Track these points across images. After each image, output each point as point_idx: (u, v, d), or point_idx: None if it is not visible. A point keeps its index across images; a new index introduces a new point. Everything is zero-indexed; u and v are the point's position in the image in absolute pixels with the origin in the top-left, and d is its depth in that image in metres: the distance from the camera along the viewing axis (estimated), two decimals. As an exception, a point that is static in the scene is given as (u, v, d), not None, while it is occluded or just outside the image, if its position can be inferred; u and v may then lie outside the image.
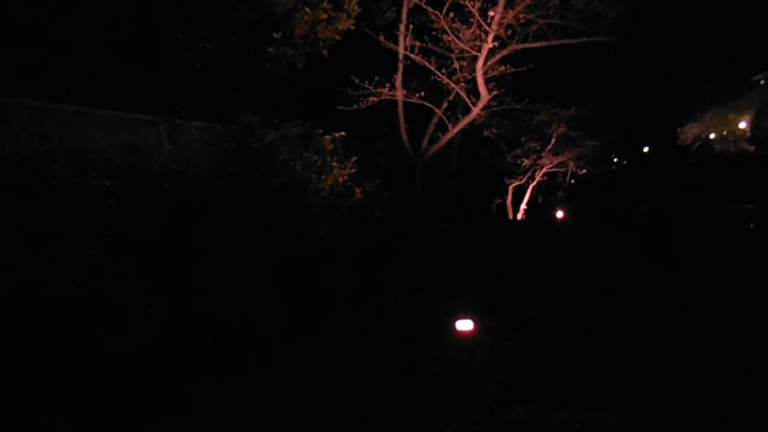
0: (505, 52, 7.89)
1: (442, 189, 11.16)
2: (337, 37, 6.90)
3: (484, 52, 6.82)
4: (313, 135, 6.43)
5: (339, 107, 7.38)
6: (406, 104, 8.32)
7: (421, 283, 6.78)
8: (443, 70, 7.80)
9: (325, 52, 6.86)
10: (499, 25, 6.61)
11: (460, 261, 8.02)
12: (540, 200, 24.20)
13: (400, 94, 7.92)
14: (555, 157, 17.77)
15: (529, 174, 17.35)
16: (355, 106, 7.50)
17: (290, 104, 7.39)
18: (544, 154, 17.11)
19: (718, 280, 6.73)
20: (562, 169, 19.58)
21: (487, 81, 7.80)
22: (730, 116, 30.55)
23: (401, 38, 7.53)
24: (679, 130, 36.77)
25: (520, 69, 8.13)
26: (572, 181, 28.64)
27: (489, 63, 7.83)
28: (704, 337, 4.82)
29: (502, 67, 7.81)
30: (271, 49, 6.70)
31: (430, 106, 8.29)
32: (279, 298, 4.82)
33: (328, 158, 6.39)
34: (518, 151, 17.00)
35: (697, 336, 4.90)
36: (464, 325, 5.52)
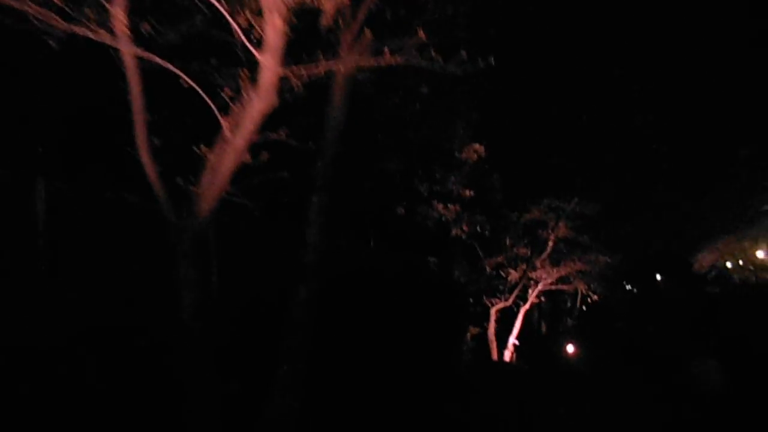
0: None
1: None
2: None
3: None
4: None
5: None
6: (152, 74, 3.25)
7: None
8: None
9: None
10: None
11: None
12: (544, 330, 18.65)
13: (120, 27, 2.88)
14: (554, 269, 12.37)
15: (517, 292, 11.81)
16: None
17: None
18: (537, 262, 11.76)
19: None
20: (567, 286, 14.04)
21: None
22: (746, 244, 29.48)
23: None
24: (697, 256, 34.04)
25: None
26: (583, 308, 23.10)
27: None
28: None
29: None
30: None
31: (192, 84, 3.08)
32: None
33: None
34: (501, 257, 11.70)
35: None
36: None
